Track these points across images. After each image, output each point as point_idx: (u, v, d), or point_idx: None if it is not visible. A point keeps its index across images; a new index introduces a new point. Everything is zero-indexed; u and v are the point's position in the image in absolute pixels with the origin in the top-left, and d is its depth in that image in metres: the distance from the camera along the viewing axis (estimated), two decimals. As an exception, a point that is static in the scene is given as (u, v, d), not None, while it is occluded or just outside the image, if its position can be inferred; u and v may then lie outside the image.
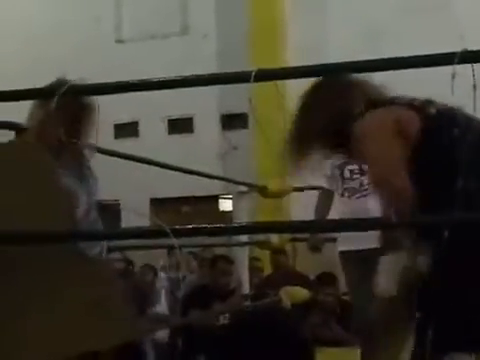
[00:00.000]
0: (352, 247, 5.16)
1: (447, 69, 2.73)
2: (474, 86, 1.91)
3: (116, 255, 7.16)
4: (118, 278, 2.76)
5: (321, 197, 5.48)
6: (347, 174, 5.22)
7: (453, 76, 1.94)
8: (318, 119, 2.58)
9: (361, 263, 5.18)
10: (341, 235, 5.27)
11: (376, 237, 5.08)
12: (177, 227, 2.31)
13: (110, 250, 3.82)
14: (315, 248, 5.50)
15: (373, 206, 4.98)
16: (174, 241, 2.11)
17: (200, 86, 2.45)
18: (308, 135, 2.60)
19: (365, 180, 5.13)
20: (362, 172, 5.16)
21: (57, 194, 2.44)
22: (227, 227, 3.02)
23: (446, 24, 9.49)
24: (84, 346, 2.39)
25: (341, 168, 5.25)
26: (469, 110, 2.36)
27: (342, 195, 5.24)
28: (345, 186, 5.22)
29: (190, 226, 2.41)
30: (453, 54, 1.98)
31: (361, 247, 5.11)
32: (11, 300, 2.45)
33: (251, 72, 2.04)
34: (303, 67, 2.32)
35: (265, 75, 2.30)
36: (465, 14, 9.56)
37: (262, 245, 6.96)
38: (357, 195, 5.18)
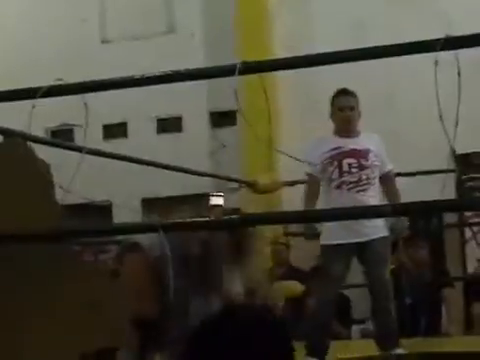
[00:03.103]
0: (335, 241, 5.21)
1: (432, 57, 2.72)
2: (458, 73, 1.89)
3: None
4: (113, 279, 2.73)
5: (309, 186, 5.50)
6: (346, 167, 5.27)
7: (436, 63, 1.93)
8: None
9: (342, 257, 5.25)
10: (324, 229, 5.31)
11: (357, 232, 5.20)
12: (171, 221, 2.28)
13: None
14: (312, 236, 5.53)
15: (370, 201, 5.11)
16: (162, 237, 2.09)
17: (186, 81, 2.43)
18: None
19: (363, 175, 5.22)
20: (361, 167, 5.24)
21: (45, 193, 2.43)
22: (221, 220, 3.00)
23: (433, 15, 9.48)
24: (79, 347, 2.37)
25: (338, 159, 5.29)
26: (453, 97, 2.36)
27: (338, 187, 5.28)
28: (343, 179, 5.25)
29: (184, 220, 2.38)
30: (437, 40, 1.97)
31: (343, 241, 5.19)
32: (6, 302, 2.43)
33: (236, 65, 2.02)
34: (288, 58, 2.30)
35: (250, 68, 2.28)
36: (451, 4, 9.54)
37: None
38: (356, 189, 5.22)
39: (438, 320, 7.01)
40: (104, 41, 11.64)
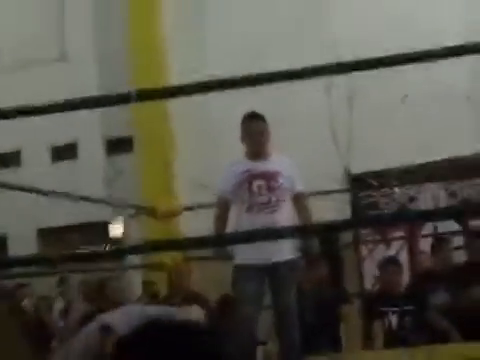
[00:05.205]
0: (249, 261, 5.29)
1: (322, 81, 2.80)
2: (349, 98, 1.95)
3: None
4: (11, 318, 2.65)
5: (220, 209, 5.55)
6: (256, 189, 5.38)
7: (328, 87, 1.98)
8: None
9: (254, 277, 5.32)
10: (238, 249, 5.36)
11: (267, 254, 5.29)
12: (72, 253, 2.24)
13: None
14: (226, 257, 5.56)
15: (281, 221, 5.19)
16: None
17: (84, 109, 2.42)
18: None
19: (273, 197, 5.34)
20: (270, 189, 5.36)
21: None
22: (122, 248, 2.98)
23: (323, 33, 9.70)
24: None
25: (249, 181, 5.39)
26: (343, 120, 2.43)
27: (249, 209, 5.35)
28: (252, 201, 5.34)
29: (82, 251, 2.35)
30: (329, 65, 2.03)
31: (254, 262, 5.27)
32: None
33: (134, 92, 2.03)
34: (186, 85, 2.32)
35: (146, 95, 2.29)
36: (340, 24, 9.78)
37: (156, 267, 6.90)
38: (265, 211, 5.32)
39: (337, 337, 7.14)
40: (-5, 69, 11.42)
